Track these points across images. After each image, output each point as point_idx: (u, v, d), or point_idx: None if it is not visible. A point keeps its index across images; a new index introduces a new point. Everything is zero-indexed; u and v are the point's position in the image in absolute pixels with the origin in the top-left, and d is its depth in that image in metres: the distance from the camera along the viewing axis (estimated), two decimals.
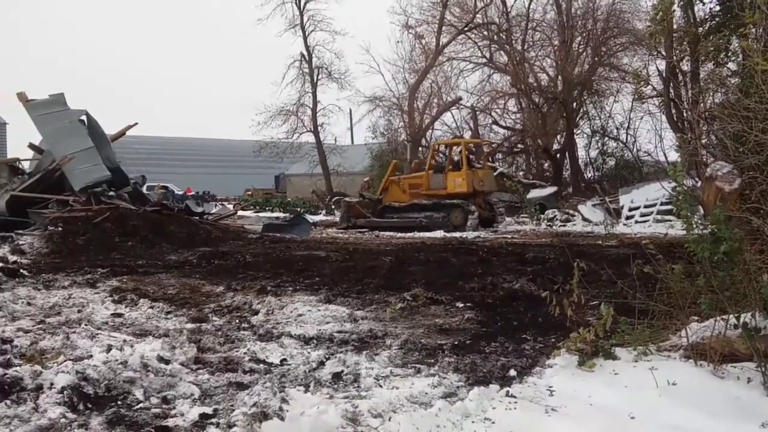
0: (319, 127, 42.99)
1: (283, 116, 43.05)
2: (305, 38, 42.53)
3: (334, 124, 49.99)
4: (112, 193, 19.04)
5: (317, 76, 42.83)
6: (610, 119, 38.63)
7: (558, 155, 38.34)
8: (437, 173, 25.72)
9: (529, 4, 39.88)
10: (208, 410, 4.98)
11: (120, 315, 8.53)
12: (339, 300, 9.34)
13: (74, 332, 7.32)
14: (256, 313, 8.57)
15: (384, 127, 42.56)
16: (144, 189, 26.87)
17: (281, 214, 34.26)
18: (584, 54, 38.44)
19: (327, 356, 6.42)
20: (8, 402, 4.99)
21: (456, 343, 6.96)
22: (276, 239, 18.63)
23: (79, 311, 8.71)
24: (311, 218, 25.10)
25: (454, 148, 26.53)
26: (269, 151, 42.84)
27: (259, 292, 9.90)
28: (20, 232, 16.94)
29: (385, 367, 6.07)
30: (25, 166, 22.49)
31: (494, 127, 41.82)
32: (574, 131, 38.23)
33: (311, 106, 43.04)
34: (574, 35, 38.26)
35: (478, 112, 41.27)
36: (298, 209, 35.45)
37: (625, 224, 22.78)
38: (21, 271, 12.26)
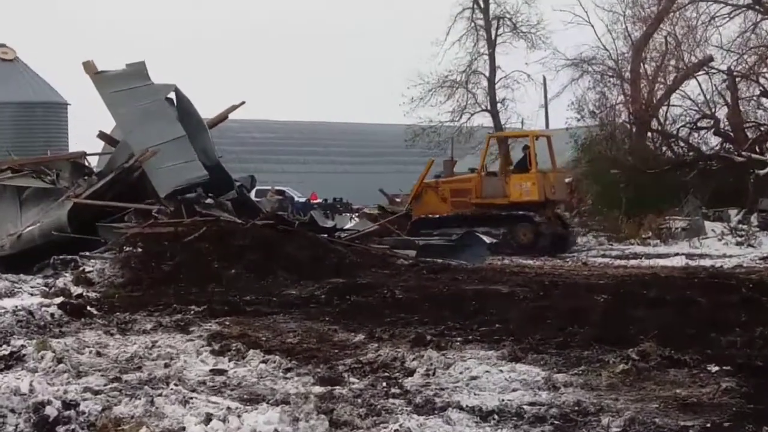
0: (498, 105, 43.04)
1: (446, 89, 43.42)
2: None
3: (520, 100, 49.83)
4: (209, 201, 19.66)
5: (497, 30, 42.95)
6: None
7: None
8: (492, 176, 27.41)
9: None
10: None
11: (222, 372, 8.80)
12: (530, 357, 9.27)
13: (160, 395, 7.57)
14: (411, 373, 8.63)
15: (595, 102, 42.00)
16: (253, 195, 27.68)
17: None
18: None
19: None
20: None
21: (708, 425, 6.76)
22: (437, 267, 18.70)
23: (166, 365, 9.03)
24: (488, 237, 25.04)
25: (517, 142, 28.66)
26: (426, 140, 43.25)
27: (415, 344, 9.95)
28: (86, 254, 17.77)
29: None
30: (93, 162, 23.67)
31: (763, 100, 40.42)
32: None
33: (487, 74, 43.17)
34: None
35: (738, 79, 40.01)
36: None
37: None
38: (88, 308, 12.86)
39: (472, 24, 43.23)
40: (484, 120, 43.92)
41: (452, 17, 43.35)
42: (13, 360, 9.15)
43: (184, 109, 21.72)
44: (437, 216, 26.89)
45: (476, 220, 26.44)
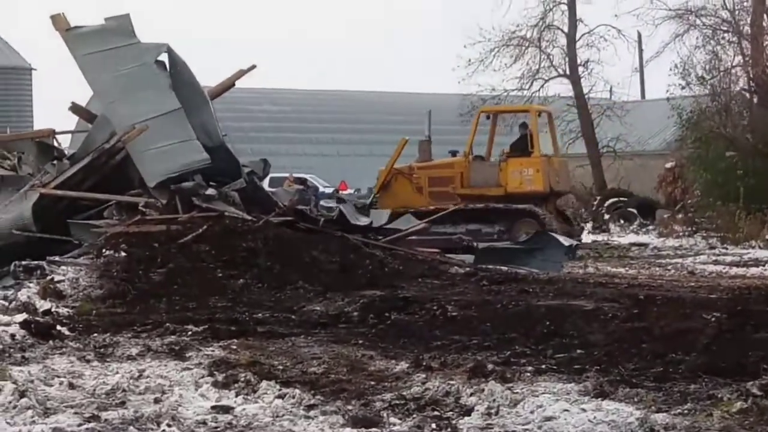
0: (580, 69, 42.90)
1: (513, 49, 43.34)
2: None
3: (608, 63, 48.94)
4: (211, 192, 19.71)
5: None
6: None
7: None
8: (480, 161, 29.03)
9: None
10: None
11: (227, 409, 8.85)
12: (621, 392, 9.25)
13: None
14: (468, 411, 8.65)
15: (705, 65, 41.81)
16: (266, 184, 27.73)
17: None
18: None
19: None
20: None
21: None
22: (501, 276, 18.68)
23: (156, 401, 9.12)
24: (566, 237, 24.98)
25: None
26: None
27: (473, 374, 9.96)
28: (55, 259, 17.86)
29: None
30: (65, 143, 23.79)
31: None
32: None
33: (566, 29, 43.01)
34: None
35: None
36: None
37: None
38: (58, 328, 12.94)
39: None
40: (562, 87, 43.93)
41: None
42: None
43: (179, 74, 21.74)
44: (413, 210, 26.98)
45: (463, 217, 27.37)
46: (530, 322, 12.98)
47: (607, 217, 35.65)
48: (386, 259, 18.73)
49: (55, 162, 21.38)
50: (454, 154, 30.93)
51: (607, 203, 37.44)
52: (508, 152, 29.19)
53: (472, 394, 9.10)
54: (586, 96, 42.93)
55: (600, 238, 32.03)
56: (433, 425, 8.27)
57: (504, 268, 19.96)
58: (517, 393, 9.11)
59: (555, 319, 13.16)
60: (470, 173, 28.49)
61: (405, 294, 15.87)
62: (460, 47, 45.03)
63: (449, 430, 8.15)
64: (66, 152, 22.53)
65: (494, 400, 8.86)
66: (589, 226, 34.78)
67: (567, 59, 43.06)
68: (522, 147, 28.91)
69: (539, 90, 43.46)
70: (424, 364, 10.61)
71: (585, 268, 22.65)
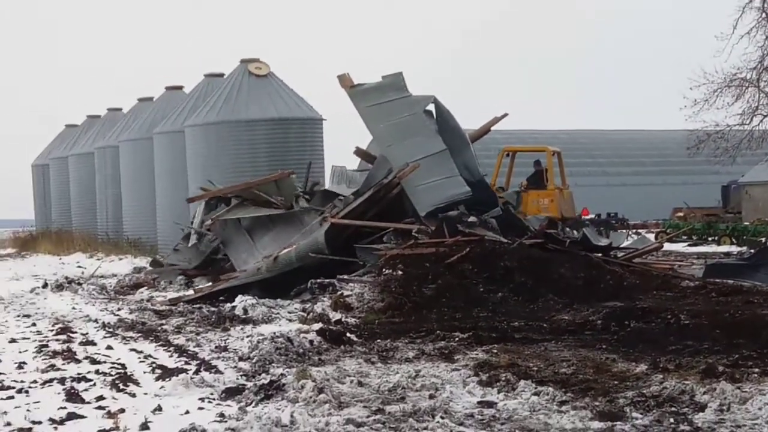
0: None
1: (734, 89, 42.17)
2: None
3: None
4: (473, 219, 19.85)
5: None
6: None
7: None
8: (502, 191, 28.58)
9: None
10: None
11: (491, 404, 8.90)
12: None
13: (426, 428, 7.78)
14: (702, 408, 8.49)
15: None
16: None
17: (734, 249, 33.44)
18: None
19: None
20: None
21: None
22: (728, 289, 18.22)
23: (431, 396, 9.21)
24: None
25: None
26: (712, 147, 42.19)
27: (706, 375, 9.78)
28: (344, 277, 18.30)
29: None
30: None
31: None
32: None
33: None
34: None
35: None
36: (763, 240, 34.38)
37: None
38: (347, 335, 13.25)
39: (764, 14, 41.82)
40: None
41: (739, 7, 42.13)
42: (273, 389, 9.58)
43: (444, 121, 22.18)
44: None
45: None
46: (756, 329, 12.59)
47: None
48: (625, 275, 18.51)
49: (341, 197, 22.02)
50: None
51: None
52: (527, 185, 30.58)
53: (705, 393, 8.92)
54: None
55: None
56: (671, 419, 8.17)
57: (730, 282, 19.50)
58: (746, 392, 8.90)
59: None
60: None
61: (642, 305, 15.65)
62: (685, 89, 43.87)
63: (686, 423, 8.02)
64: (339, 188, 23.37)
65: (725, 398, 8.68)
66: None
67: None
68: (537, 181, 30.66)
69: (759, 124, 42.14)
70: (661, 366, 10.48)
71: None
